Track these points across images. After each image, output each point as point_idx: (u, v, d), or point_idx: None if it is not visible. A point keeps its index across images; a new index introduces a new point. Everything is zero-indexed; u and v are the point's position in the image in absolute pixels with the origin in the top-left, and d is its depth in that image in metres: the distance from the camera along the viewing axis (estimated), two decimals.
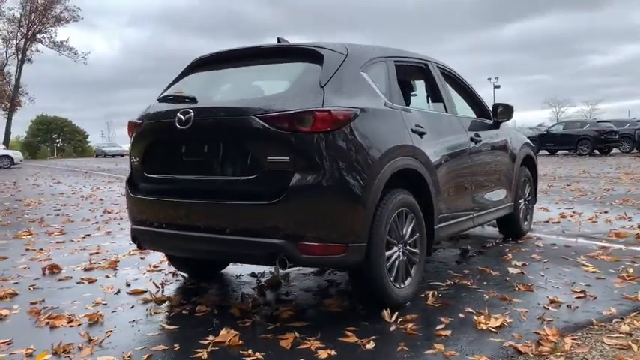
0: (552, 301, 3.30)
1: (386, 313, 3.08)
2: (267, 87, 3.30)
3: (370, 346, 2.69)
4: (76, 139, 70.97)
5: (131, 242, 3.62)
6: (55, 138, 70.32)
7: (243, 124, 2.89)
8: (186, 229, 3.11)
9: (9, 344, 2.83)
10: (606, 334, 2.79)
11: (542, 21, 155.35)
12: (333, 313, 3.23)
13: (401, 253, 3.28)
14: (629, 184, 10.57)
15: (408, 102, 3.76)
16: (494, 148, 4.71)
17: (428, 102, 4.32)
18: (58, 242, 5.76)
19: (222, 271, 4.28)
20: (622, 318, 3.01)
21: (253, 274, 4.14)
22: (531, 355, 2.54)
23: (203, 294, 3.67)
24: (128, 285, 3.93)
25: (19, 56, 47.22)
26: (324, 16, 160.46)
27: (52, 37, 47.58)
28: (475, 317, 3.01)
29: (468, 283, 3.74)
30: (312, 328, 2.93)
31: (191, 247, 3.21)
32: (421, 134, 3.50)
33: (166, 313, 3.29)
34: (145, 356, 2.63)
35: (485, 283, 3.76)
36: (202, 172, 3.10)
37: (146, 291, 3.71)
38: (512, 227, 5.27)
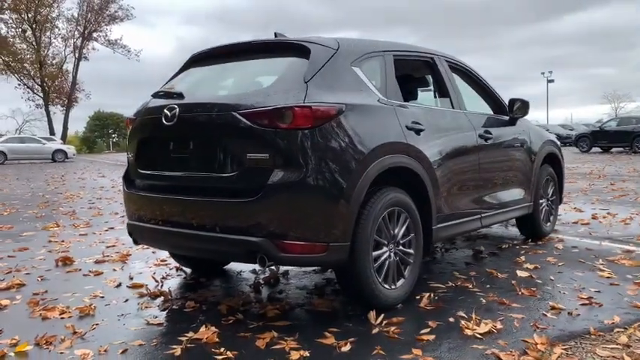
0: (553, 308, 3.13)
1: (372, 314, 2.99)
2: (254, 82, 3.26)
3: (346, 348, 2.62)
4: None
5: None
6: (111, 133, 72.85)
7: (225, 120, 2.87)
8: (172, 225, 3.12)
9: None
10: (601, 345, 2.62)
11: (603, 12, 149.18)
12: (319, 313, 3.17)
13: (392, 254, 3.18)
14: None
15: (408, 97, 3.64)
16: (509, 145, 4.51)
17: (435, 97, 4.18)
18: (80, 235, 5.93)
19: (226, 267, 4.28)
20: (625, 328, 2.82)
21: (254, 271, 4.13)
22: None
23: (198, 290, 3.68)
24: (131, 279, 3.99)
25: (76, 54, 49.11)
26: (375, 10, 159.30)
27: (106, 35, 49.28)
28: (462, 322, 2.88)
29: (470, 286, 3.60)
30: (293, 328, 2.89)
31: (177, 243, 3.22)
32: (418, 131, 3.38)
33: (156, 308, 3.31)
34: (121, 350, 2.65)
35: (488, 286, 3.61)
36: (188, 168, 3.10)
37: (145, 285, 3.75)
38: (532, 228, 5.05)
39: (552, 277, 3.78)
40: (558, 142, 5.48)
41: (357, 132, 2.95)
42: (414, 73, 4.12)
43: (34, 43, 46.75)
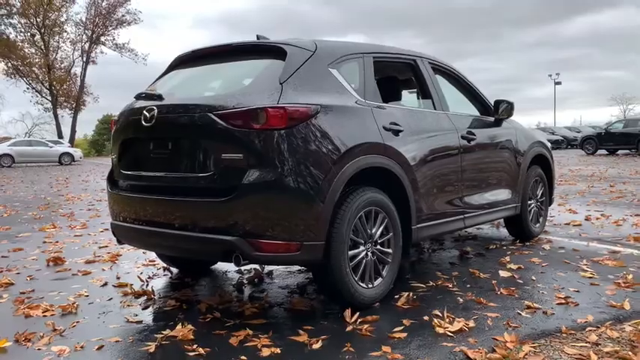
0: (528, 307, 3.15)
1: (347, 313, 3.03)
2: (231, 84, 3.32)
3: (317, 345, 2.66)
4: None
5: None
6: None
7: (201, 121, 2.92)
8: (152, 225, 3.17)
9: None
10: (570, 343, 2.64)
11: (612, 14, 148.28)
12: (297, 311, 3.21)
13: (369, 253, 3.22)
14: None
15: (388, 99, 3.67)
16: (494, 146, 4.53)
17: (418, 99, 4.21)
18: (75, 236, 6.00)
19: (213, 267, 4.33)
20: (597, 327, 2.84)
21: (240, 271, 4.17)
22: None
23: (182, 289, 3.73)
24: (118, 278, 4.05)
25: (84, 58, 49.48)
26: (380, 14, 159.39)
27: (114, 39, 49.64)
28: (435, 321, 2.91)
29: (450, 286, 3.63)
30: (268, 326, 2.93)
31: (157, 243, 3.27)
32: (397, 132, 3.41)
33: (138, 307, 3.36)
34: (96, 347, 2.71)
35: (468, 286, 3.64)
36: (166, 168, 3.16)
37: (130, 284, 3.80)
38: (520, 229, 5.06)
39: (534, 278, 3.79)
40: (548, 144, 5.48)
41: (332, 133, 2.99)
42: (395, 74, 4.16)
43: (42, 47, 47.16)
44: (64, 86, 48.52)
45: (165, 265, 4.29)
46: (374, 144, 3.22)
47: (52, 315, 3.23)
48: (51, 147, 30.71)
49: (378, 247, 3.28)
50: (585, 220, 6.26)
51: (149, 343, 2.71)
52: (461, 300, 3.32)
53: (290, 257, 2.90)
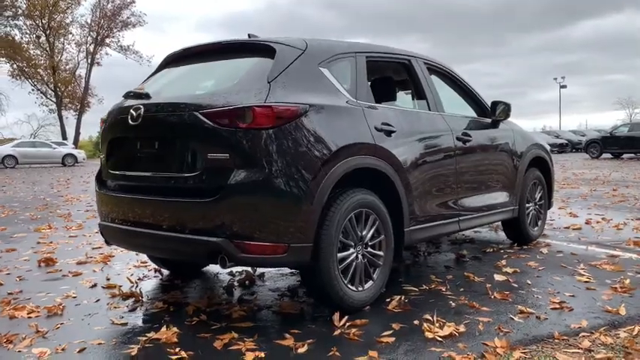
0: (521, 312, 3.08)
1: (336, 316, 2.97)
2: (219, 83, 3.26)
3: (303, 349, 2.60)
4: None
5: None
6: None
7: (187, 120, 2.87)
8: (139, 226, 3.12)
9: None
10: (562, 350, 2.57)
11: (617, 18, 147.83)
12: (285, 315, 3.15)
13: (360, 255, 3.16)
14: None
15: (382, 99, 3.61)
16: (490, 148, 4.47)
17: (413, 99, 4.15)
18: (70, 237, 5.96)
19: (204, 269, 4.28)
20: (591, 332, 2.77)
21: (231, 273, 4.12)
22: None
23: (171, 291, 3.68)
24: (108, 280, 4.00)
25: (89, 59, 49.55)
26: (384, 18, 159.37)
27: (119, 41, 49.69)
28: (425, 325, 2.85)
29: (443, 289, 3.56)
30: (255, 330, 2.87)
31: (144, 244, 3.22)
32: (389, 132, 3.36)
33: (125, 309, 3.31)
34: (78, 350, 2.65)
35: (462, 290, 3.57)
36: (153, 168, 3.11)
37: (119, 286, 3.75)
38: (518, 232, 4.98)
39: (529, 282, 3.72)
40: (547, 146, 5.41)
41: (321, 133, 2.93)
42: (389, 74, 4.10)
43: (47, 48, 47.24)
44: (69, 88, 48.60)
45: (156, 266, 4.24)
46: (365, 145, 3.17)
47: (37, 316, 3.18)
48: (54, 148, 30.78)
49: (369, 249, 3.22)
50: (585, 223, 6.18)
51: (132, 346, 2.66)
52: (453, 304, 3.25)
53: (277, 259, 2.84)
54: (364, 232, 3.18)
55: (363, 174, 3.20)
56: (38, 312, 3.24)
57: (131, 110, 3.09)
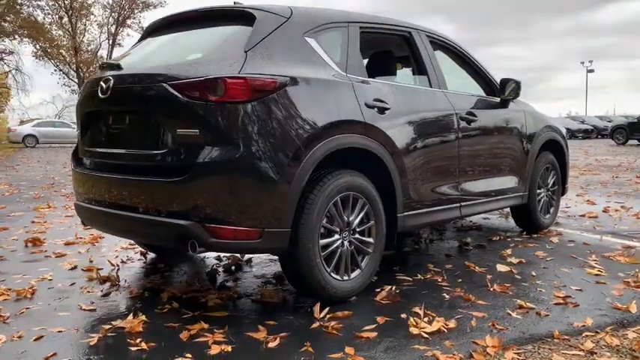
0: (520, 307, 2.82)
1: (317, 307, 2.75)
2: (195, 53, 3.01)
3: (273, 344, 2.38)
4: None
5: None
6: None
7: (156, 92, 2.64)
8: (110, 207, 2.92)
9: None
10: (562, 351, 2.31)
11: None
12: (264, 303, 2.94)
13: (346, 242, 2.92)
14: None
15: (377, 74, 3.33)
16: (498, 129, 4.16)
17: (414, 74, 3.86)
18: (66, 216, 5.83)
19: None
20: (596, 332, 2.50)
21: (218, 258, 3.92)
22: None
23: (151, 275, 3.49)
24: (91, 262, 3.83)
25: (110, 40, 49.75)
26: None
27: (139, 22, 49.66)
28: (412, 319, 2.60)
29: (439, 280, 3.31)
30: (227, 320, 2.67)
31: (115, 225, 3.02)
32: (382, 110, 3.09)
33: (98, 293, 3.14)
34: (35, 337, 2.48)
35: (459, 280, 3.31)
36: (123, 145, 2.90)
37: (98, 269, 3.58)
38: (528, 220, 4.69)
39: (534, 273, 3.45)
40: (562, 129, 5.07)
41: (302, 108, 2.68)
42: (387, 47, 3.81)
43: (69, 29, 47.50)
44: (91, 68, 48.81)
45: (142, 249, 4.06)
46: (353, 122, 2.90)
47: (5, 300, 3.02)
48: (74, 128, 30.98)
49: (357, 235, 2.98)
50: (603, 211, 5.83)
51: (92, 335, 2.48)
52: (447, 296, 3.01)
53: (250, 245, 2.62)
54: (351, 218, 2.94)
55: (353, 155, 2.94)
56: (7, 295, 3.08)
57: (101, 82, 2.87)
